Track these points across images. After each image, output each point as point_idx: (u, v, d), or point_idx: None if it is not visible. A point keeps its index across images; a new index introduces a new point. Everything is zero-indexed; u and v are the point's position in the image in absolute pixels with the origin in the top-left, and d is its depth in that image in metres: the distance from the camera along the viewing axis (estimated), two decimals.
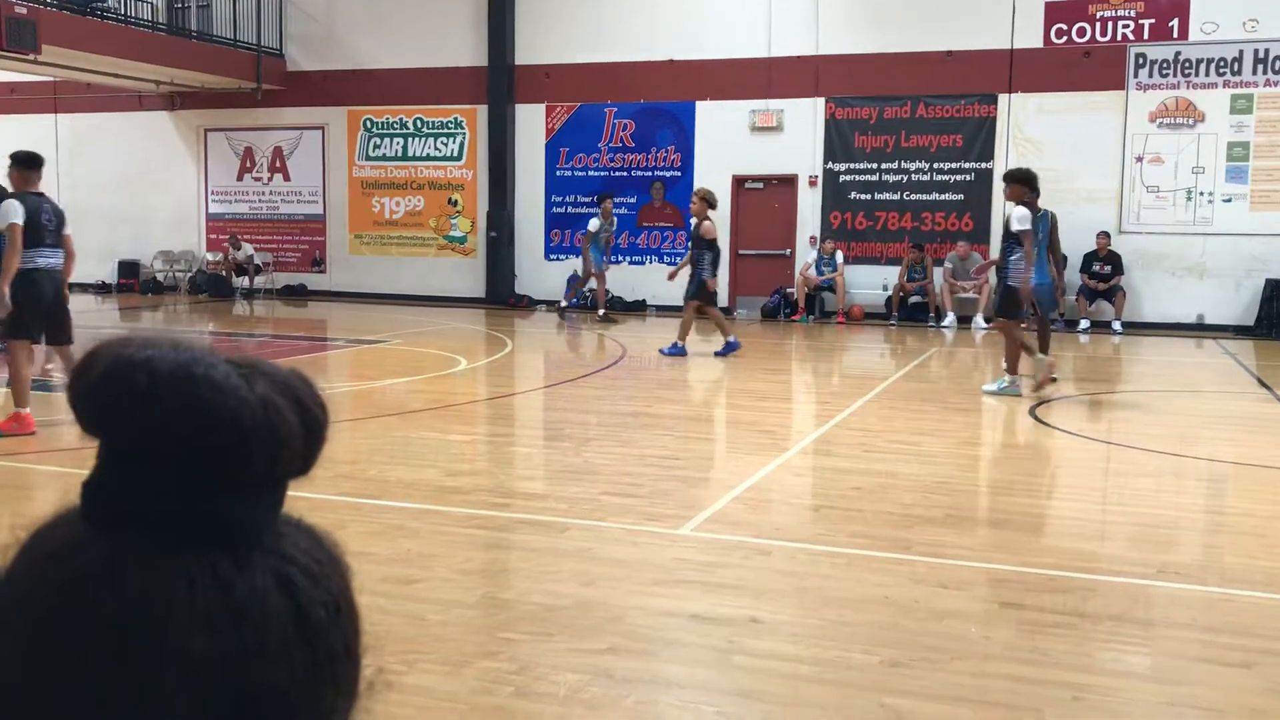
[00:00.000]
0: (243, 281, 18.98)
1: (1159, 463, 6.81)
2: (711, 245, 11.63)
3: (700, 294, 11.56)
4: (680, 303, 12.06)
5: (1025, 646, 3.72)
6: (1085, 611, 4.05)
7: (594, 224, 15.25)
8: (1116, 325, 15.00)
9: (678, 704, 3.19)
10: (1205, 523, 5.68)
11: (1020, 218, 8.94)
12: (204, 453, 0.46)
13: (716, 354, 11.49)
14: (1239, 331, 14.79)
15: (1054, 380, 9.54)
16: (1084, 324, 15.12)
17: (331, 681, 0.47)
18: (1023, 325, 9.40)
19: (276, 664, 0.46)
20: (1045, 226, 9.40)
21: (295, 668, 0.46)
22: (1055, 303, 10.42)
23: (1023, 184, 9.09)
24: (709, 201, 11.63)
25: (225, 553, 0.47)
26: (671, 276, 10.25)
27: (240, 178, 19.83)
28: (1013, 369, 9.17)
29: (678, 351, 11.50)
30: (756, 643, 3.66)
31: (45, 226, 6.97)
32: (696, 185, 17.04)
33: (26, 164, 7.08)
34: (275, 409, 0.47)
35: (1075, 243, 15.26)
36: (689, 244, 11.72)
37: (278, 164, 19.56)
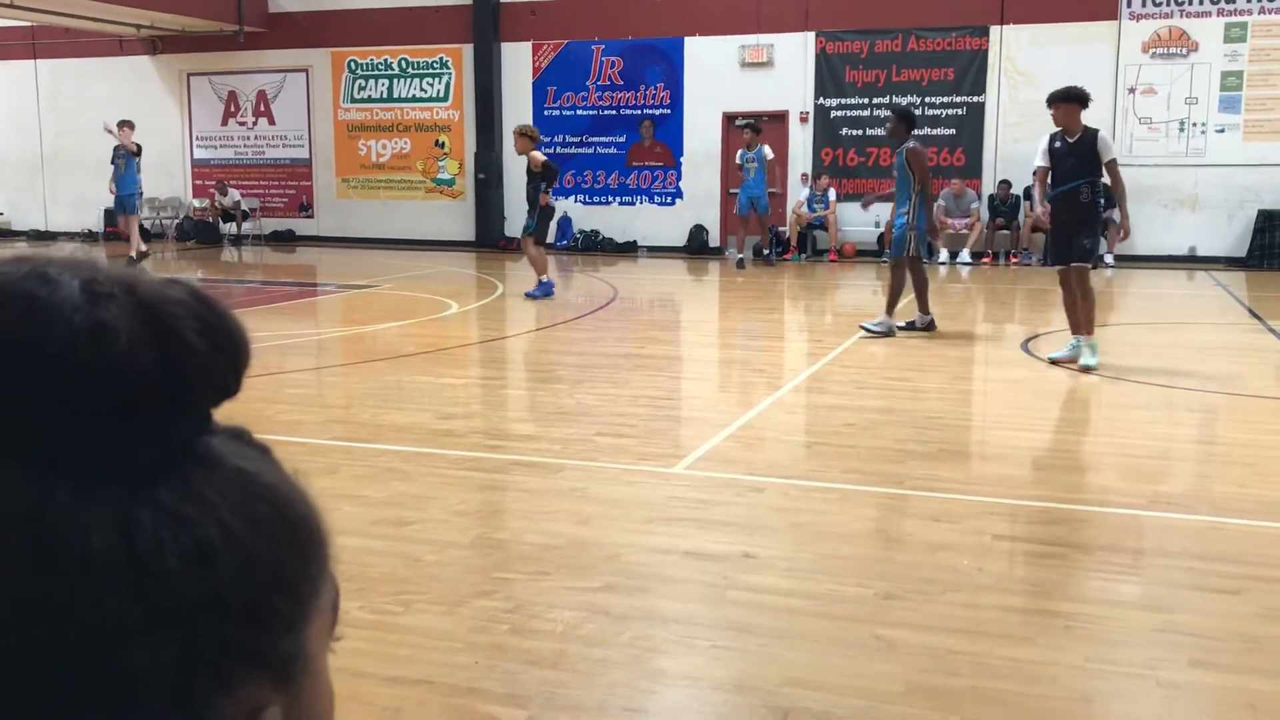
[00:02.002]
0: (230, 228, 18.84)
1: (1150, 394, 6.83)
2: (546, 172, 11.23)
3: (540, 225, 11.32)
4: (672, 244, 12.03)
5: (1017, 577, 3.75)
6: (1077, 542, 4.08)
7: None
8: (1108, 259, 14.98)
9: (673, 638, 3.22)
10: (1196, 453, 5.71)
11: (1108, 144, 7.70)
12: (14, 380, 0.43)
13: (528, 295, 11.27)
14: (1230, 263, 14.78)
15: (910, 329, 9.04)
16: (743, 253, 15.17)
17: (186, 636, 0.43)
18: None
19: (88, 609, 0.42)
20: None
21: (113, 615, 0.42)
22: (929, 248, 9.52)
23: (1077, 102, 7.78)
24: (530, 136, 11.30)
25: (68, 485, 0.43)
26: None
27: (225, 123, 19.60)
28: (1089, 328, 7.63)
29: (547, 291, 11.28)
30: (750, 578, 3.68)
31: None
32: (687, 123, 16.95)
33: None
34: (109, 336, 0.43)
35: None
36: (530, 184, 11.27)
37: (262, 108, 19.32)
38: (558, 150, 17.70)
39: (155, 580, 0.42)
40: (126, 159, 15.04)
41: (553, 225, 16.66)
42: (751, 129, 14.89)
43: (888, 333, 8.85)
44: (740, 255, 14.95)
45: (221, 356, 0.46)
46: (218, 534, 0.44)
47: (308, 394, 7.06)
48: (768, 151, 14.75)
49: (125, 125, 15.25)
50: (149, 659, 0.42)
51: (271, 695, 0.46)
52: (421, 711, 2.75)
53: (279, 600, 0.47)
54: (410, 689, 2.87)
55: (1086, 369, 7.38)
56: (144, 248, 15.06)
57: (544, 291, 11.35)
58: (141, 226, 19.42)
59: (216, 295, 0.48)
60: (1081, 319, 7.52)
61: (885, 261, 15.67)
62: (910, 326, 9.09)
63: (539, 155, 11.29)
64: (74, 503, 0.42)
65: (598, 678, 2.95)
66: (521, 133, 11.37)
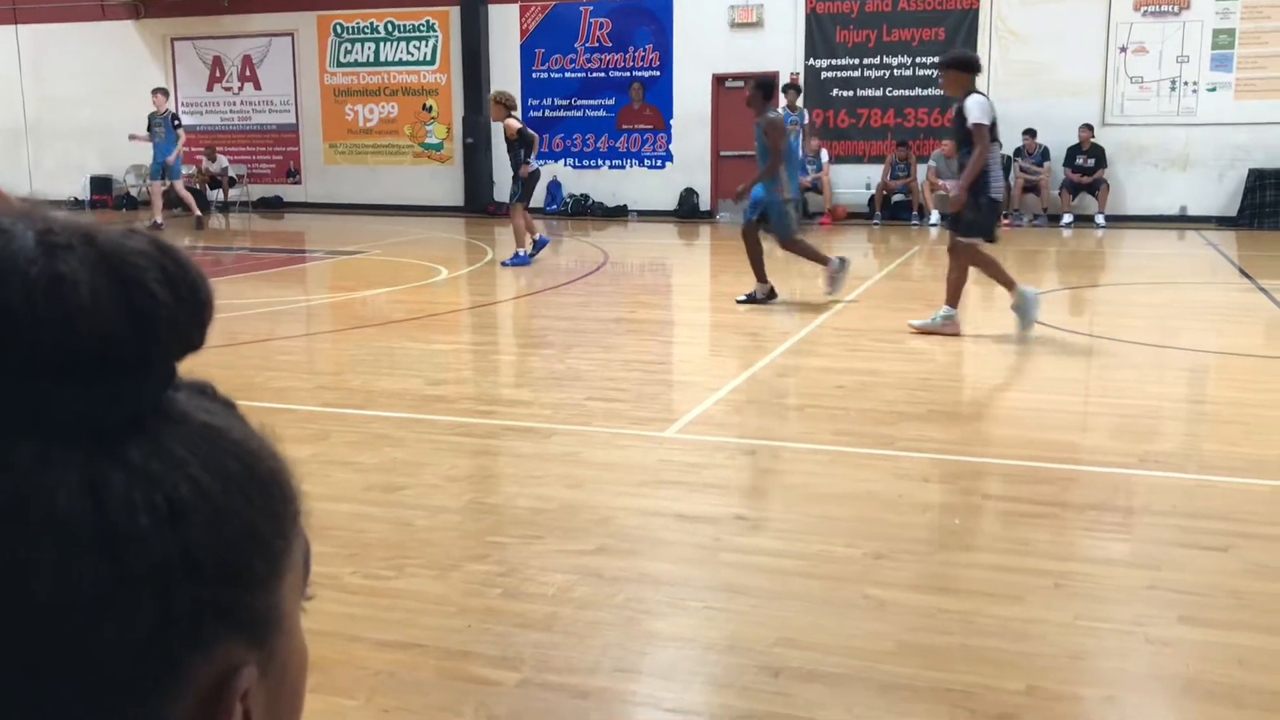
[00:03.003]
0: (217, 194, 18.71)
1: (1141, 354, 6.84)
2: (522, 139, 11.22)
3: (524, 192, 11.31)
4: (662, 208, 11.98)
5: (1007, 537, 3.77)
6: (1066, 501, 4.10)
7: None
8: (1099, 219, 14.97)
9: (665, 600, 3.23)
10: (1186, 412, 5.73)
11: (979, 107, 7.19)
12: None
13: (503, 264, 11.25)
14: (1221, 223, 14.78)
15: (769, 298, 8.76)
16: (1067, 218, 15.08)
17: (159, 598, 0.42)
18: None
19: (53, 573, 0.41)
20: (797, 131, 8.58)
21: (82, 578, 0.41)
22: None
23: (960, 69, 7.38)
24: (504, 104, 11.19)
25: (30, 445, 0.42)
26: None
27: (210, 88, 19.42)
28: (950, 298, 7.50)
29: (520, 261, 11.24)
30: (742, 539, 3.70)
31: None
32: (677, 85, 16.83)
33: None
34: (68, 289, 0.41)
35: (1058, 137, 15.16)
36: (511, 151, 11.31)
37: (248, 73, 19.14)
38: (546, 114, 17.59)
39: (126, 542, 0.41)
40: (165, 126, 15.24)
41: (541, 189, 16.65)
42: (794, 89, 14.52)
43: (839, 282, 8.56)
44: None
45: (185, 308, 0.45)
46: (189, 492, 0.43)
47: (298, 361, 7.05)
48: (974, 122, 14.20)
49: (159, 93, 15.47)
50: (122, 622, 0.41)
51: (246, 655, 0.45)
52: (415, 675, 2.77)
53: (252, 558, 0.46)
54: (403, 652, 2.88)
55: (917, 327, 7.37)
56: (159, 219, 15.27)
57: (517, 261, 11.26)
58: (127, 194, 19.28)
59: (177, 245, 0.47)
60: (947, 286, 7.45)
61: (876, 224, 15.67)
62: (751, 299, 8.75)
63: (513, 123, 11.16)
64: (37, 464, 0.41)
65: (590, 639, 2.96)
66: (495, 99, 11.27)
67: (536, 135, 11.60)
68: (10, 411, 0.41)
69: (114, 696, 0.41)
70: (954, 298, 7.46)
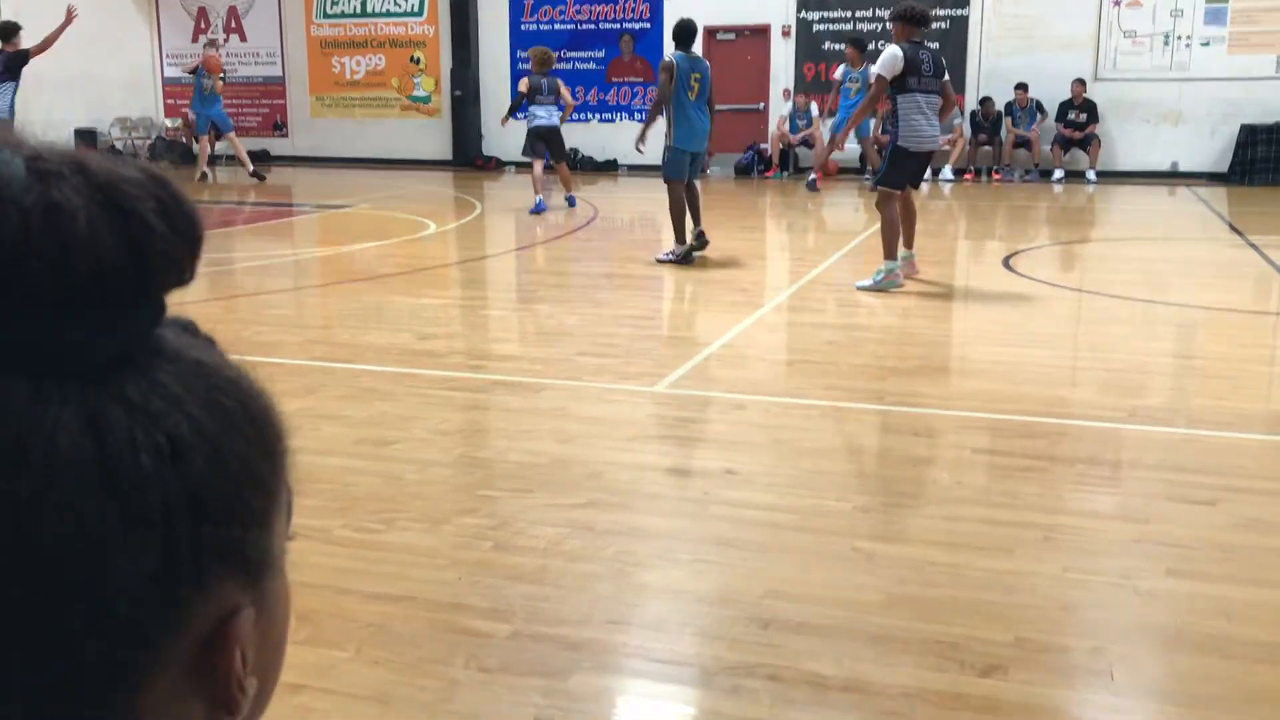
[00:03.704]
0: None
1: (1130, 309, 6.85)
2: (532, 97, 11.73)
3: (526, 144, 12.01)
4: (653, 163, 11.89)
5: (996, 490, 3.78)
6: (1055, 455, 4.11)
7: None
8: (1091, 174, 14.94)
9: (656, 553, 3.24)
10: (1175, 367, 5.74)
11: (884, 59, 7.30)
12: None
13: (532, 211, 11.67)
14: (1212, 179, 14.75)
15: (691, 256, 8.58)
16: (1058, 173, 15.04)
17: (164, 537, 0.41)
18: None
19: (58, 514, 0.40)
20: (708, 76, 8.49)
21: (87, 519, 0.40)
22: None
23: (904, 22, 7.32)
24: (542, 60, 11.73)
25: (26, 383, 0.40)
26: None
27: (195, 39, 19.15)
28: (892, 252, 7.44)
29: (536, 209, 11.69)
30: (732, 493, 3.70)
31: None
32: (668, 37, 16.64)
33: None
34: (64, 217, 0.39)
35: (1051, 91, 15.07)
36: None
37: (233, 24, 18.89)
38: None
39: (129, 480, 0.40)
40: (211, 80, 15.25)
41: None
42: (856, 45, 13.90)
43: (683, 259, 8.43)
44: (811, 177, 14.14)
45: (181, 240, 0.43)
46: (189, 429, 0.42)
47: (286, 315, 7.01)
48: (873, 73, 14.01)
49: (210, 46, 15.48)
50: (126, 562, 0.40)
51: (243, 596, 0.45)
52: (406, 627, 2.77)
53: (250, 496, 0.45)
54: (394, 605, 2.88)
55: (861, 288, 7.29)
56: (204, 169, 15.44)
57: (534, 209, 11.71)
58: (112, 147, 19.07)
59: (168, 175, 0.45)
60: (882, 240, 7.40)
61: (867, 178, 15.60)
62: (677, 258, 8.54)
63: (522, 82, 11.81)
64: (35, 402, 0.39)
65: (581, 592, 2.97)
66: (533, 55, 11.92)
67: (534, 86, 11.75)
68: (6, 347, 0.39)
69: (118, 636, 0.41)
70: (890, 250, 7.33)
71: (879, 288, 7.30)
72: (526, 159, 12.62)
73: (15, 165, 0.40)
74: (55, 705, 0.40)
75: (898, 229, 7.41)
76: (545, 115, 11.75)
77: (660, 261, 8.54)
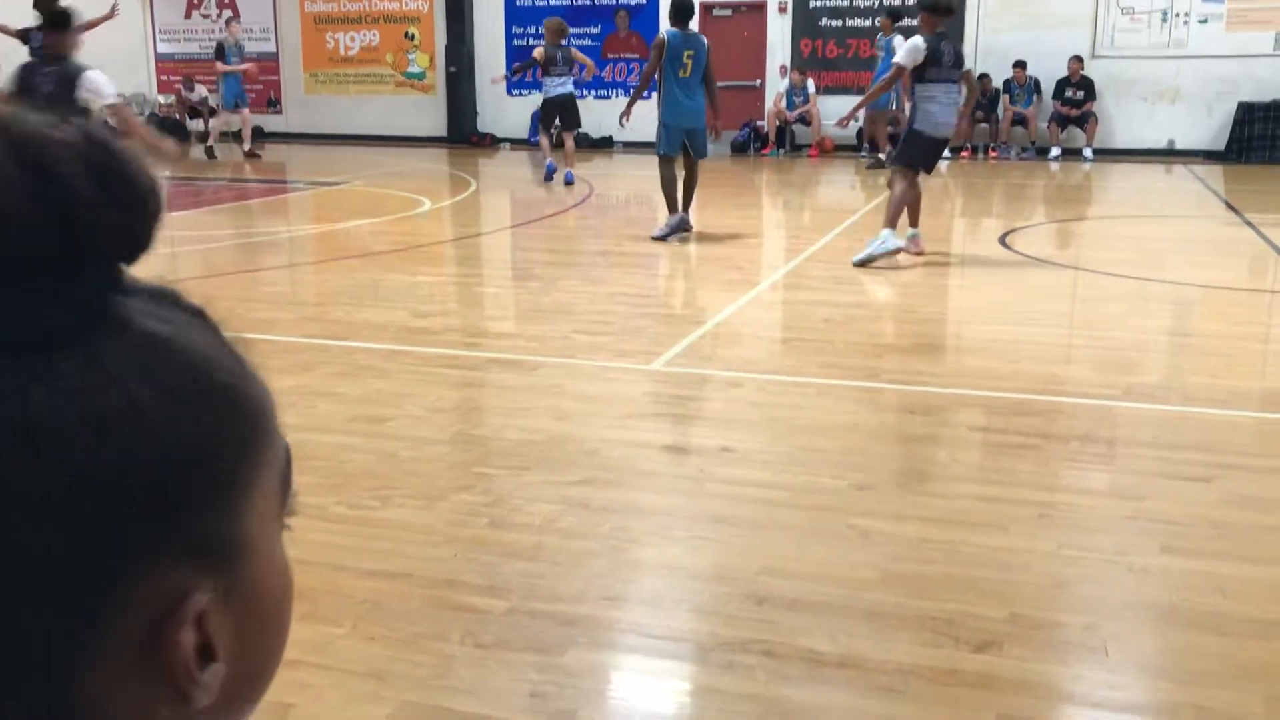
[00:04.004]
0: (197, 124, 18.41)
1: (1126, 287, 6.85)
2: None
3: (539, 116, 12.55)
4: (649, 139, 11.88)
5: (991, 468, 3.78)
6: (1051, 433, 4.11)
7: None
8: (1087, 152, 14.90)
9: (651, 530, 3.24)
10: (1170, 345, 5.75)
11: (906, 49, 7.42)
12: None
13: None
14: (1209, 156, 14.73)
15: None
16: (1055, 151, 15.00)
17: (84, 516, 0.40)
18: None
19: None
20: (704, 53, 8.43)
21: (6, 496, 0.39)
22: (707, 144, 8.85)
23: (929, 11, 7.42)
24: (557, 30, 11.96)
25: None
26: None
27: (189, 15, 19.03)
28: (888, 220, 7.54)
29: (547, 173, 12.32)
30: (728, 470, 3.70)
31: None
32: (664, 13, 16.56)
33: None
34: None
35: (1048, 68, 15.01)
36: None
37: (227, 0, 18.75)
38: (530, 42, 17.30)
39: (49, 456, 0.38)
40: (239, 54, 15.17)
41: (526, 119, 16.40)
42: (889, 14, 13.69)
43: (676, 232, 8.39)
44: (880, 154, 13.87)
45: (117, 207, 0.41)
46: (119, 405, 0.40)
47: (280, 292, 6.99)
48: (897, 43, 13.92)
49: (233, 21, 15.39)
50: (43, 540, 0.39)
51: (196, 580, 0.43)
52: (402, 603, 2.77)
53: (194, 479, 0.42)
54: (390, 581, 2.88)
55: (857, 262, 7.37)
56: (247, 146, 15.36)
57: (547, 173, 12.38)
58: (105, 123, 18.95)
59: (121, 139, 0.43)
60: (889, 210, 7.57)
61: (864, 156, 15.55)
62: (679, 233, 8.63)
63: (537, 51, 12.07)
64: None
65: (576, 568, 2.97)
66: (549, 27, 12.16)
67: (549, 58, 11.93)
68: None
69: (47, 614, 0.39)
70: (891, 221, 7.43)
71: (871, 257, 7.34)
72: (530, 139, 12.67)
73: None
74: None
75: (904, 205, 7.52)
76: (560, 86, 11.95)
77: (655, 239, 8.52)
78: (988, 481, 3.63)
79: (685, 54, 8.44)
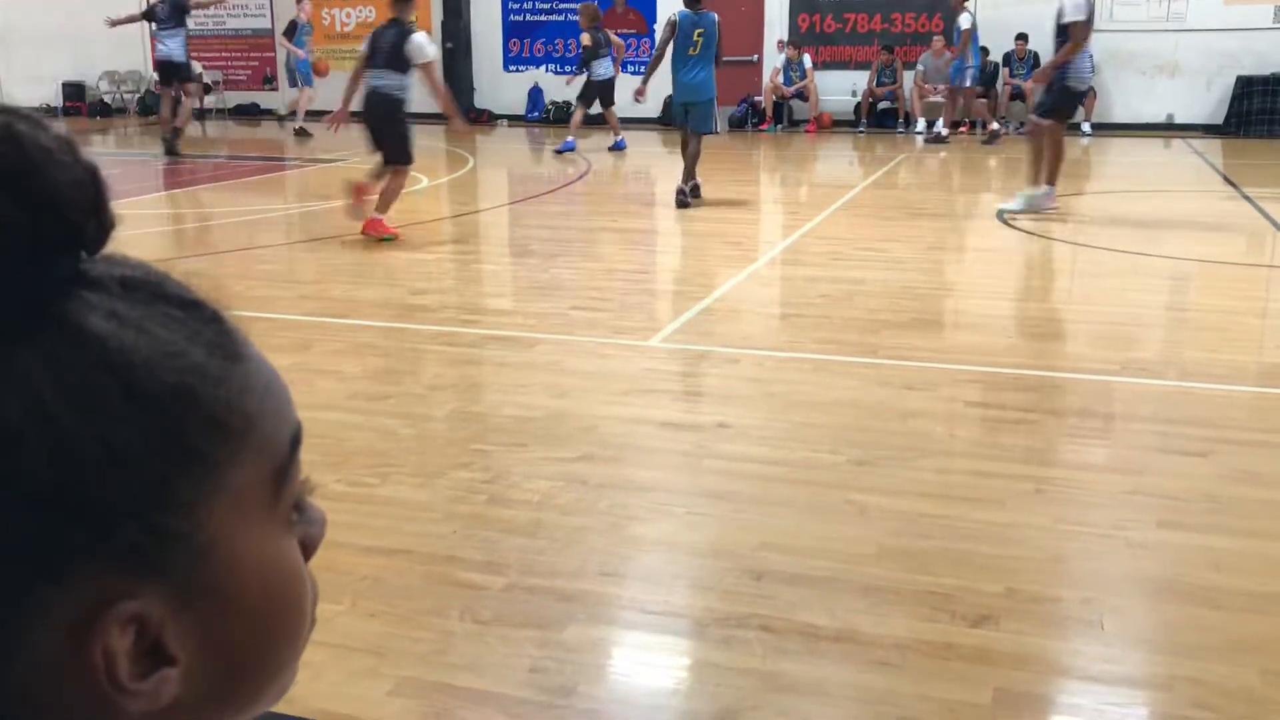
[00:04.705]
0: (192, 102, 18.32)
1: (1124, 262, 6.84)
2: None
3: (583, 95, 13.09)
4: (645, 115, 11.94)
5: (989, 443, 3.79)
6: (1048, 408, 4.12)
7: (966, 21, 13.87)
8: (1086, 127, 14.85)
9: (650, 505, 3.25)
10: (1169, 319, 5.75)
11: (1074, 6, 7.89)
12: None
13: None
14: (1208, 130, 14.69)
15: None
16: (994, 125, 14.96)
17: (24, 509, 0.40)
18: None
19: None
20: (714, 31, 8.69)
21: None
22: (713, 119, 9.10)
23: None
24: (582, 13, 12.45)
25: None
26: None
27: None
28: (1052, 178, 8.28)
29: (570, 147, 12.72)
30: (726, 446, 3.71)
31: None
32: None
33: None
34: None
35: (1046, 42, 14.93)
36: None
37: None
38: (526, 18, 17.23)
39: None
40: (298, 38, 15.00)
41: (522, 96, 16.29)
42: None
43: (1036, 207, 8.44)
44: (940, 131, 14.10)
45: (27, 209, 0.40)
46: (28, 415, 0.39)
47: (278, 270, 6.98)
48: (964, 21, 13.70)
49: (304, 1, 15.15)
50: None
51: (127, 586, 0.41)
52: (401, 580, 2.78)
53: (111, 484, 0.41)
54: (389, 558, 2.89)
55: (1007, 210, 8.12)
56: (299, 123, 15.10)
57: (562, 148, 12.88)
58: (100, 101, 18.84)
59: (44, 129, 0.41)
60: (1032, 167, 8.33)
61: (861, 132, 15.49)
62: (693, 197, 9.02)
63: (584, 37, 12.54)
64: None
65: (575, 544, 2.98)
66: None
67: (596, 42, 12.44)
68: None
69: None
70: (1051, 176, 8.13)
71: (1033, 209, 7.96)
72: (520, 115, 12.58)
73: None
74: None
75: (1063, 155, 8.21)
76: (607, 69, 12.75)
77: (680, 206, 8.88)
78: (985, 457, 3.63)
79: (695, 32, 8.73)
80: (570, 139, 12.88)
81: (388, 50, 7.19)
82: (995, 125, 14.16)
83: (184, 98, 12.85)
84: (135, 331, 0.42)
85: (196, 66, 18.15)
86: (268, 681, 0.48)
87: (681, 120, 8.98)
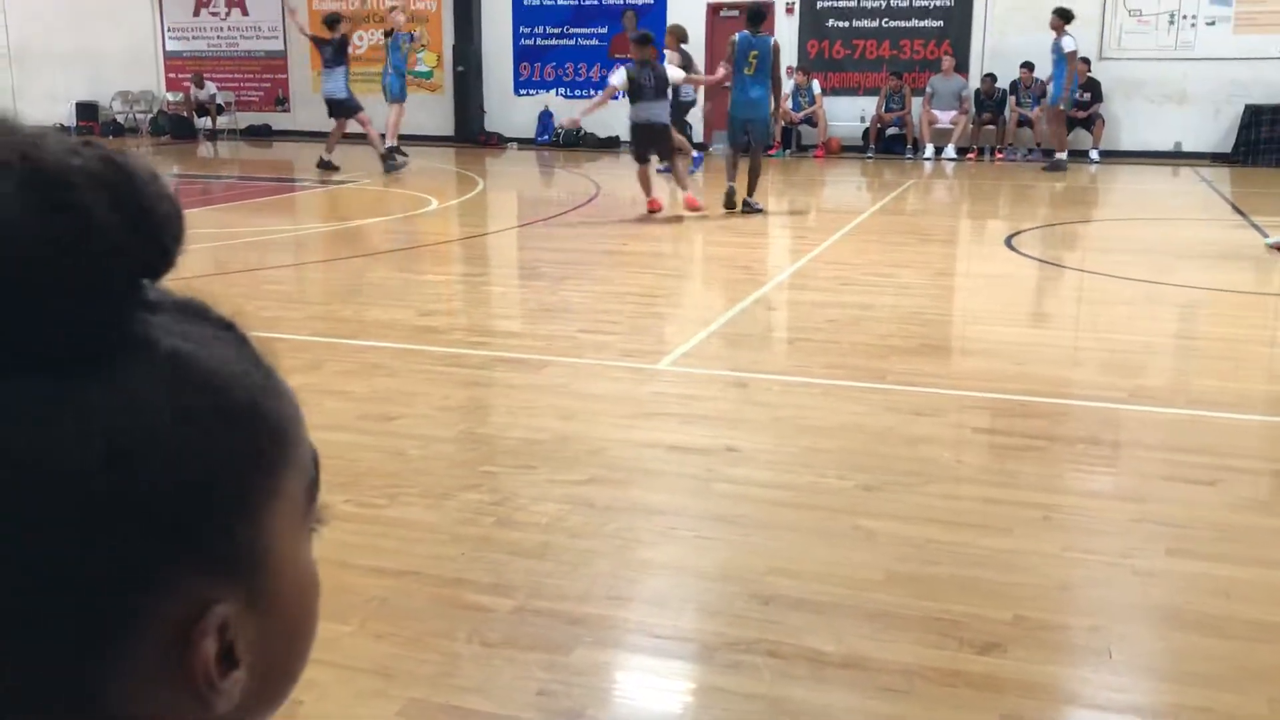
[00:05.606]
0: (205, 122, 18.46)
1: (1133, 290, 6.85)
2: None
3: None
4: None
5: (996, 469, 3.79)
6: (1056, 435, 4.12)
7: None
8: (1094, 154, 14.88)
9: (657, 529, 3.25)
10: (1177, 347, 5.75)
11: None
12: None
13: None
14: (1216, 159, 14.71)
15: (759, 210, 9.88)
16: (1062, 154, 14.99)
17: (100, 542, 0.40)
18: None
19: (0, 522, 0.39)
20: (767, 53, 9.52)
21: (30, 521, 0.39)
22: (770, 134, 10.34)
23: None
24: (671, 33, 12.25)
25: None
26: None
27: (197, 13, 19.08)
28: None
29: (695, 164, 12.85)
30: (733, 470, 3.71)
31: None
32: (671, 13, 16.57)
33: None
34: None
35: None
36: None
37: None
38: (538, 42, 17.34)
39: (73, 487, 0.39)
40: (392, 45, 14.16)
41: (533, 120, 16.32)
42: (1060, 15, 13.39)
43: None
44: (1059, 157, 13.84)
45: (134, 231, 0.42)
46: (141, 432, 0.41)
47: (288, 290, 7.01)
48: (1067, 44, 13.30)
49: (396, 10, 14.47)
50: (71, 570, 0.40)
51: (217, 592, 0.44)
52: (409, 601, 2.79)
53: (213, 497, 0.43)
54: (397, 579, 2.90)
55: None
56: (388, 143, 13.61)
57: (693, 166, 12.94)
58: (113, 121, 18.97)
59: (140, 161, 0.43)
60: None
61: (870, 157, 15.54)
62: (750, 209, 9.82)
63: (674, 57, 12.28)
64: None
65: (583, 567, 2.98)
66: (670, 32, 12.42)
67: (685, 63, 11.80)
68: None
69: (72, 645, 0.41)
70: None
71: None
72: (530, 138, 12.53)
73: None
74: (24, 701, 0.40)
75: None
76: (689, 91, 12.96)
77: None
78: (993, 483, 3.64)
79: (751, 54, 9.60)
80: (698, 154, 13.25)
81: (654, 85, 9.24)
82: (1061, 155, 13.95)
83: (363, 126, 13.10)
84: (208, 352, 0.45)
85: (211, 86, 18.34)
86: (288, 686, 0.50)
87: (741, 136, 9.80)
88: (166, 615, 0.43)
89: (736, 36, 9.77)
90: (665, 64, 10.86)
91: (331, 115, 13.41)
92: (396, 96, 14.24)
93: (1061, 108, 13.81)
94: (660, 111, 9.41)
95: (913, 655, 2.54)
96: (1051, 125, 14.13)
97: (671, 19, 16.58)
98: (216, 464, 0.44)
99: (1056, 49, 13.45)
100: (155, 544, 0.42)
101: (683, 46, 12.20)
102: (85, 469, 0.40)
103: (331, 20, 13.32)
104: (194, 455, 0.43)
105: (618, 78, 9.92)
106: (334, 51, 12.98)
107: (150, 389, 0.42)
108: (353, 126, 13.38)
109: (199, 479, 0.43)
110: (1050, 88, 13.81)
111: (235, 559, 0.45)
